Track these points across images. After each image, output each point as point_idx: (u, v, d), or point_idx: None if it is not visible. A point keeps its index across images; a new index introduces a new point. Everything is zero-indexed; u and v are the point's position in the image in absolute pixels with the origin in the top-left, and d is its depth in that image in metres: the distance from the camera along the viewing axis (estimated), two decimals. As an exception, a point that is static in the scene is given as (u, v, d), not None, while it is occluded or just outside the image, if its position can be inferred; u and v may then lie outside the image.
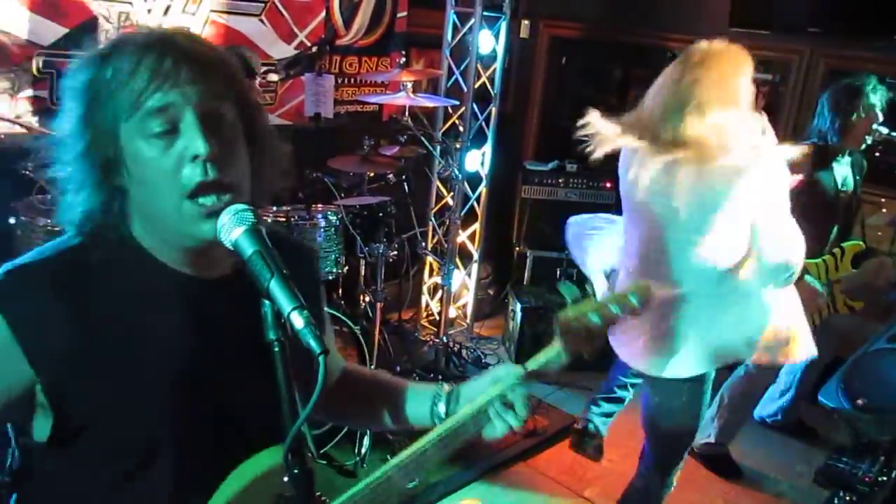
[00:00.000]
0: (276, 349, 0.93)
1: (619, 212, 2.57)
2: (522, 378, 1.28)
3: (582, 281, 1.44)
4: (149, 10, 3.47)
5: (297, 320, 0.89)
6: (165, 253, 1.09)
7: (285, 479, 0.96)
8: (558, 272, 4.78)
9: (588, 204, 4.74)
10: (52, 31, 3.18)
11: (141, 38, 1.02)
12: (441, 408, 1.33)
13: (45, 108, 3.22)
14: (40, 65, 3.19)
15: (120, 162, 1.02)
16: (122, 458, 1.07)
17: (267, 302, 0.92)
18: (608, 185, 4.76)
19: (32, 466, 1.09)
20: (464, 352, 4.48)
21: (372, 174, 3.74)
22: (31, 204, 2.80)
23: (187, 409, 1.07)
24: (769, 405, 3.88)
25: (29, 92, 3.19)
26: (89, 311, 1.03)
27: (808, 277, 3.17)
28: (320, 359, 0.87)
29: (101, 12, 3.32)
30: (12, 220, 2.79)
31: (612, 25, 5.10)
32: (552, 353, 1.33)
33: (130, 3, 3.40)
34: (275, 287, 0.91)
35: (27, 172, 2.79)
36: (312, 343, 0.88)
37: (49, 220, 2.70)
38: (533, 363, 1.33)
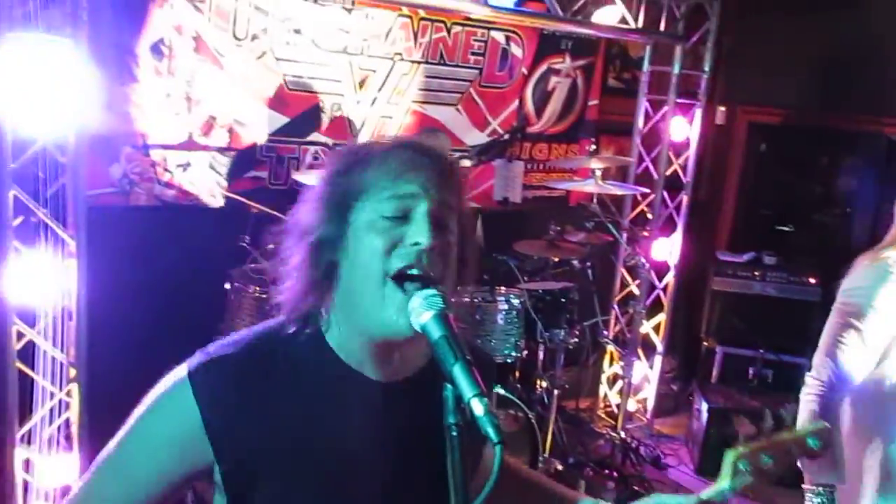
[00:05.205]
0: (454, 433, 0.94)
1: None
2: None
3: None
4: (358, 101, 3.78)
5: (478, 407, 0.90)
6: (354, 354, 1.10)
7: None
8: (751, 371, 4.43)
9: (787, 300, 4.40)
10: (277, 121, 3.57)
11: (387, 140, 1.13)
12: None
13: (262, 188, 3.58)
14: (262, 150, 3.57)
15: (343, 238, 1.06)
16: None
17: (449, 386, 0.94)
18: (812, 280, 4.38)
19: None
20: (642, 449, 4.25)
21: (557, 259, 3.74)
22: (244, 272, 3.10)
23: None
24: None
25: (251, 172, 3.57)
26: (275, 409, 1.06)
27: None
28: (497, 448, 0.87)
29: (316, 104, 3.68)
30: (227, 286, 3.11)
31: (817, 110, 4.80)
32: (715, 491, 1.24)
33: (342, 95, 3.73)
34: (458, 372, 0.93)
35: (244, 244, 3.11)
36: (491, 432, 0.88)
37: (258, 288, 2.97)
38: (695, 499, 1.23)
